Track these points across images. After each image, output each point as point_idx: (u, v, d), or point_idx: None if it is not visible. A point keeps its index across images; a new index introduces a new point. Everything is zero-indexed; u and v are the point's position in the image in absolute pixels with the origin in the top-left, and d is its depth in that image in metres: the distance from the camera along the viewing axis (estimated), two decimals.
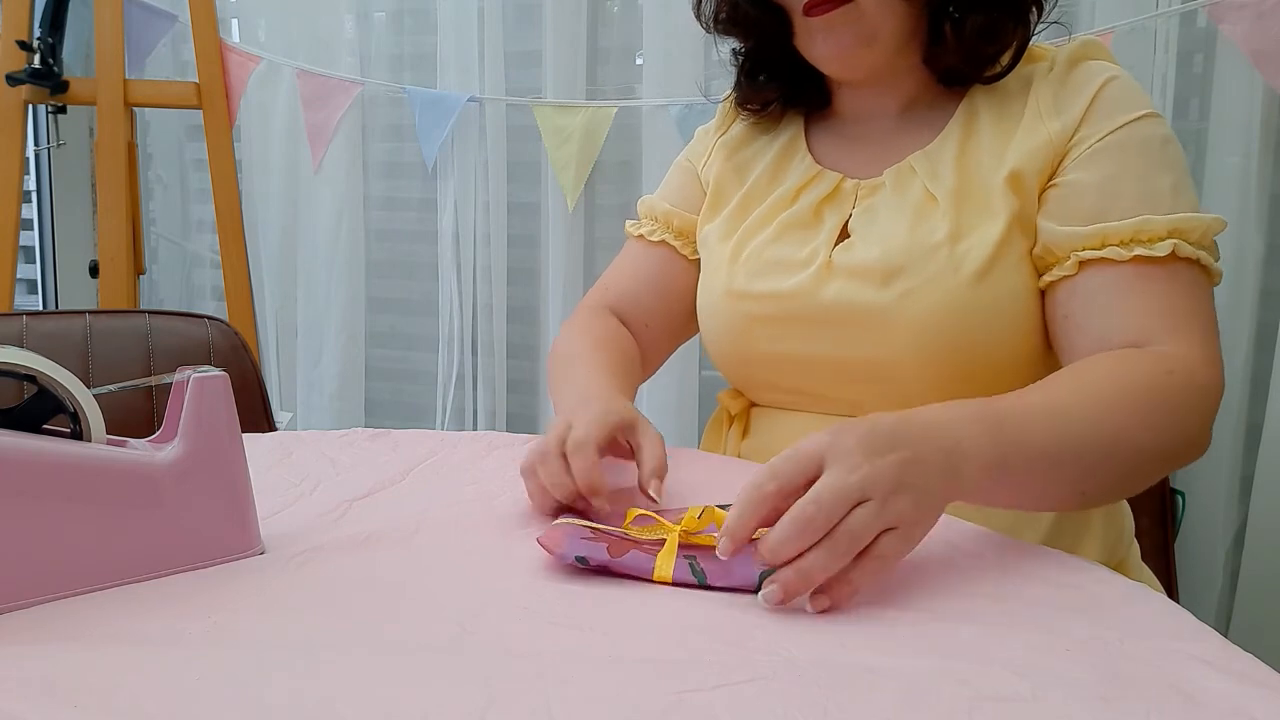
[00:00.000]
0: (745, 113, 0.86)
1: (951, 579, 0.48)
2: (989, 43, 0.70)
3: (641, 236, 0.89)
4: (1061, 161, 0.67)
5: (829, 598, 0.44)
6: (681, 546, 0.50)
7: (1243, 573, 1.23)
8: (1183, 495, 1.22)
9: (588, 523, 0.54)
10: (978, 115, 0.72)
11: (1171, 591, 0.90)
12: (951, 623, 0.43)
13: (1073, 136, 0.67)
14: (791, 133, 0.82)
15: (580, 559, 0.48)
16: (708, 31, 0.82)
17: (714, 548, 0.46)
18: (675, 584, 0.47)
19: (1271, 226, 1.18)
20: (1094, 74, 0.69)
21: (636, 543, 0.51)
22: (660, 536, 0.52)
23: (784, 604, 0.44)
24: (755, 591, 0.45)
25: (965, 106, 0.73)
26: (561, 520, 0.54)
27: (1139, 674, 0.38)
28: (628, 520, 0.55)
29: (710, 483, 0.67)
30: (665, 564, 0.48)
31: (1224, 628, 1.25)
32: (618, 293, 0.88)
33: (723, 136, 0.87)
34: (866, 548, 0.44)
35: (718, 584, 0.47)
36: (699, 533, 0.51)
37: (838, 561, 0.43)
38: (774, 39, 0.76)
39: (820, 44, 0.72)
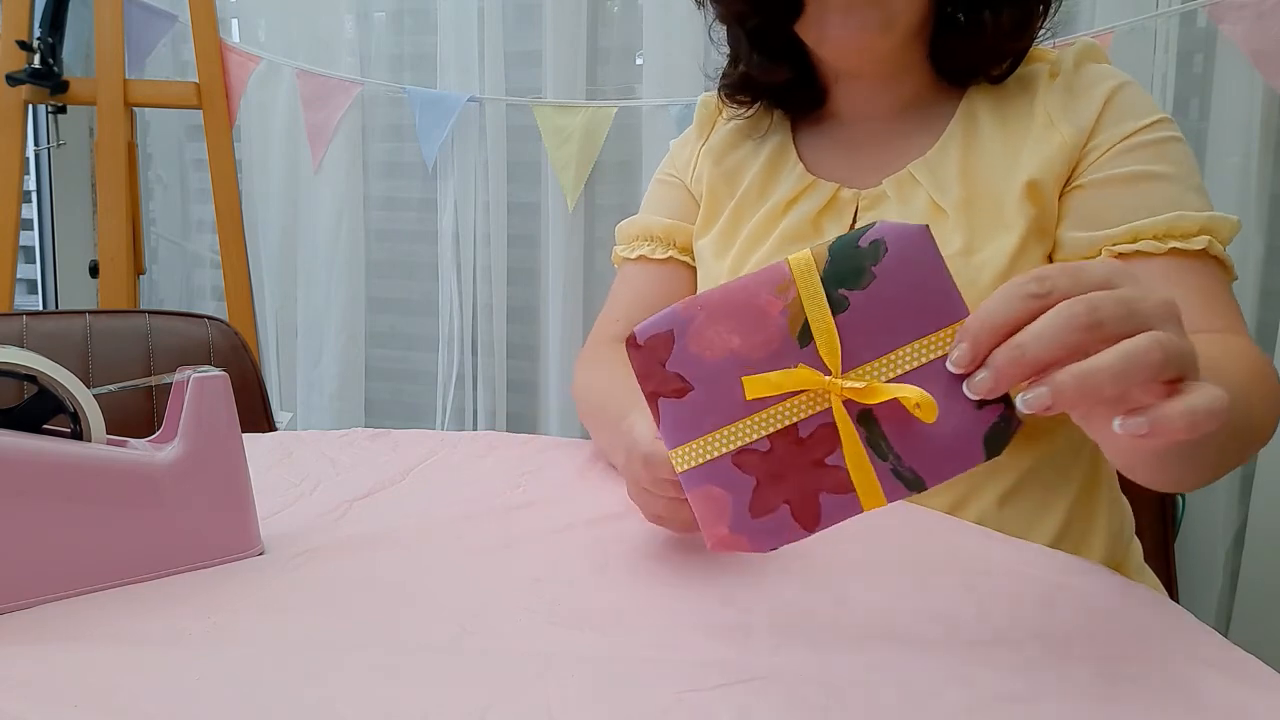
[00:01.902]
0: (732, 106, 0.81)
1: (952, 579, 0.48)
2: (1019, 38, 0.69)
3: (643, 258, 0.84)
4: (1078, 166, 0.67)
5: (1146, 422, 0.34)
6: (850, 407, 0.38)
7: (1243, 573, 1.23)
8: (1183, 495, 1.22)
9: (711, 436, 0.39)
10: (978, 119, 0.71)
11: (1171, 591, 0.89)
12: (951, 623, 0.43)
13: (1088, 141, 0.66)
14: (778, 139, 0.79)
15: (774, 547, 0.39)
16: (699, 5, 0.77)
17: (892, 402, 0.36)
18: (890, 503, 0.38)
19: (1271, 226, 1.19)
20: (1103, 78, 0.68)
21: (797, 442, 0.38)
22: (813, 403, 0.38)
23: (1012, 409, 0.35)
24: (986, 458, 0.36)
25: (964, 109, 0.72)
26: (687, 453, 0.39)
27: (1139, 674, 0.38)
28: (748, 391, 0.39)
29: None
30: (867, 483, 0.38)
31: (1224, 628, 1.25)
32: (627, 323, 0.83)
33: (705, 144, 0.84)
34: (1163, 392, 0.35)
35: (939, 479, 0.37)
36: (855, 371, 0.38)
37: (1110, 381, 0.34)
38: (778, 20, 0.71)
39: (836, 26, 0.67)
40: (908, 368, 0.37)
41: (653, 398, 0.39)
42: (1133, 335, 0.34)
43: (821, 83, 0.79)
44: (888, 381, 0.37)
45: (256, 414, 1.03)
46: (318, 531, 0.55)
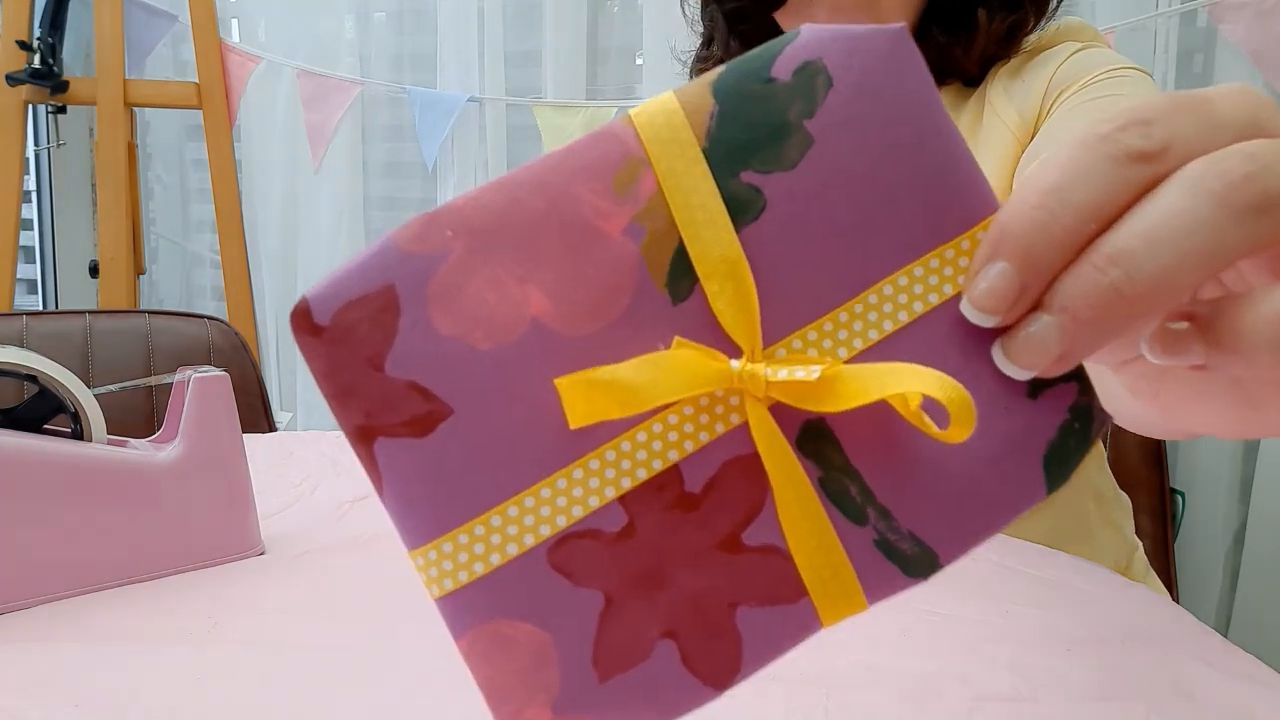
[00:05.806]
0: None
1: (952, 579, 0.48)
2: (1009, 44, 0.67)
3: None
4: (1034, 134, 0.63)
5: None
6: (783, 419, 0.19)
7: (1243, 573, 1.23)
8: (1183, 495, 1.22)
9: (498, 513, 0.18)
10: None
11: (1171, 591, 0.89)
12: (951, 623, 0.43)
13: (1039, 106, 0.63)
14: None
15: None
16: None
17: (872, 406, 0.18)
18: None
19: None
20: (1057, 53, 0.65)
21: (682, 502, 0.19)
22: (709, 418, 0.19)
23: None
24: (1048, 490, 0.20)
25: None
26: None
27: (1139, 674, 0.38)
28: (570, 408, 0.18)
29: None
30: (828, 573, 0.21)
31: (1224, 628, 1.25)
32: None
33: None
34: None
35: (963, 546, 0.20)
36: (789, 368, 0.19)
37: None
38: (760, 6, 0.69)
39: (821, 22, 0.66)
40: (890, 327, 0.19)
41: (363, 436, 0.18)
42: None
43: None
44: (853, 359, 0.19)
45: (256, 414, 1.03)
46: (318, 531, 0.55)
